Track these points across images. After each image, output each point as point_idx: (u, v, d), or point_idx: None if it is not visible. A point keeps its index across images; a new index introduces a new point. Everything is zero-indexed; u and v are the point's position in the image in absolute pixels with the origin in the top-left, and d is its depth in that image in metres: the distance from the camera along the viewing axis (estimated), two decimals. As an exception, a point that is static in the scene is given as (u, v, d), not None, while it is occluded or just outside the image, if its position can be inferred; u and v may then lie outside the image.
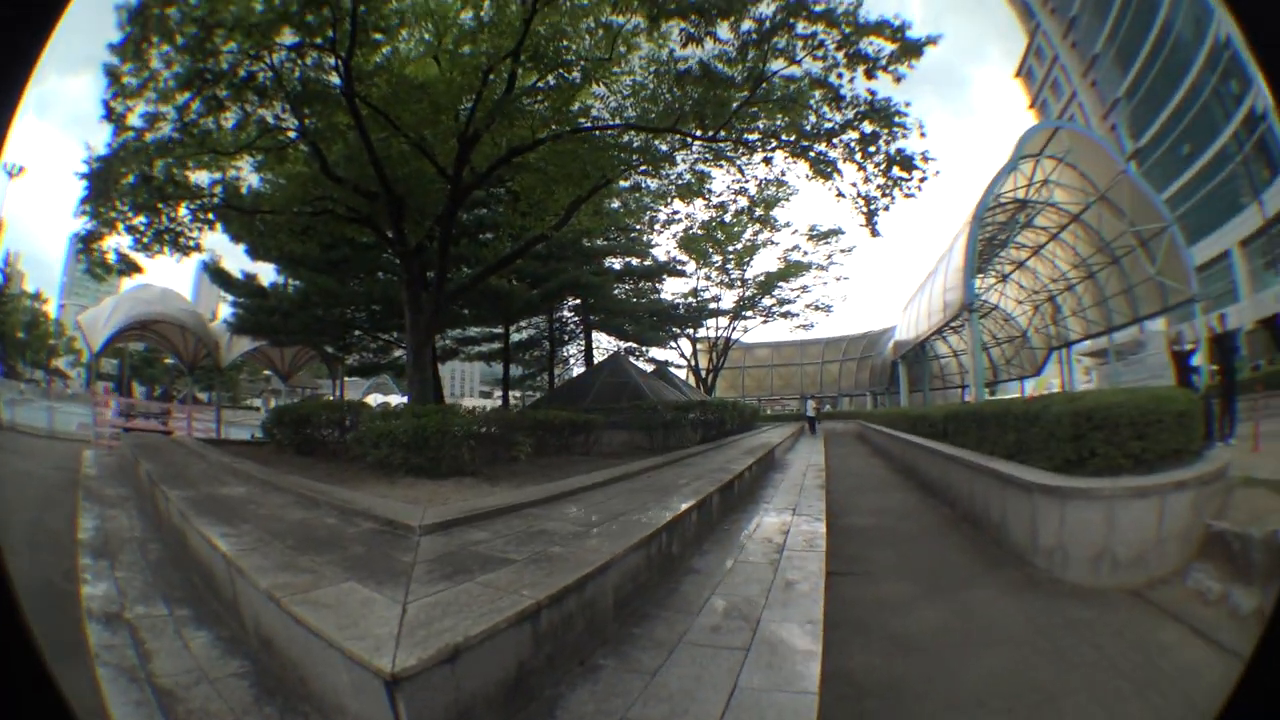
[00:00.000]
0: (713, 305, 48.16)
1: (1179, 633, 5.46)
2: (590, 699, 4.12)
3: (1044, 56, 66.33)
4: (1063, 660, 5.05)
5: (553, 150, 16.31)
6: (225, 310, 30.49)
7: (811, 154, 16.02)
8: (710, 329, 51.09)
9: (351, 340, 31.45)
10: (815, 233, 45.81)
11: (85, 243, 15.32)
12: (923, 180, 15.59)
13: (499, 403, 37.88)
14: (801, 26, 13.83)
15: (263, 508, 7.81)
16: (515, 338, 39.31)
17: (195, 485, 9.22)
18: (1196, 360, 14.45)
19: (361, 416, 14.74)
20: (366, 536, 6.41)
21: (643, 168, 18.34)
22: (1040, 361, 51.02)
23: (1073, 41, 59.94)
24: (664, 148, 17.29)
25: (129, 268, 16.72)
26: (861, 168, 15.76)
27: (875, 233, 16.85)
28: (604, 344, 42.92)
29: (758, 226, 40.85)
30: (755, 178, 19.47)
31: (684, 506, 7.95)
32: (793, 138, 15.87)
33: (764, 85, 14.65)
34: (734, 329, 51.31)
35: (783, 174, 18.46)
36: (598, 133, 16.55)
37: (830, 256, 47.21)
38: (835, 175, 16.21)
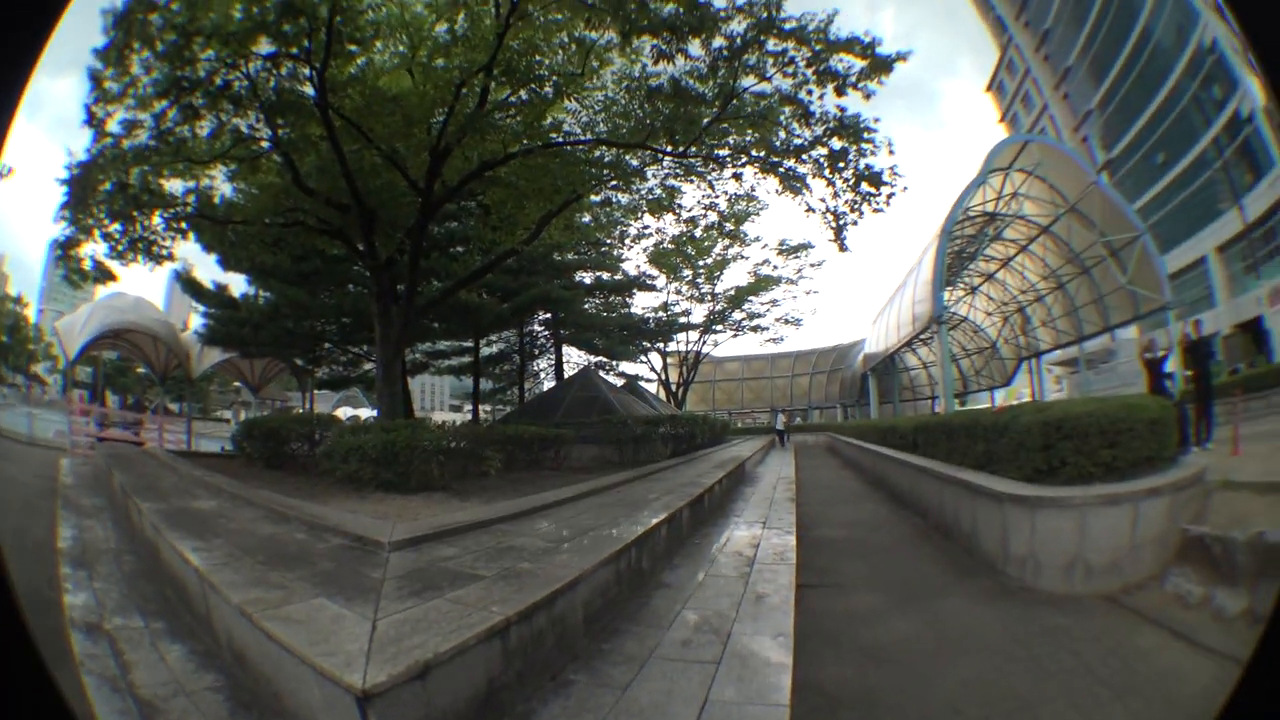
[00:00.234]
0: (683, 319, 48.38)
1: (1159, 637, 5.51)
2: (562, 714, 4.16)
3: (1015, 70, 67.35)
4: (1039, 667, 5.08)
5: (524, 165, 16.27)
6: (196, 321, 30.16)
7: (781, 170, 16.13)
8: (681, 343, 51.37)
9: (321, 353, 31.10)
10: (785, 247, 46.26)
11: (64, 249, 15.15)
12: (891, 196, 15.73)
13: (469, 417, 37.70)
14: (772, 44, 13.94)
15: (233, 522, 7.78)
16: (485, 352, 39.18)
17: (167, 498, 9.15)
18: (1169, 367, 14.66)
19: (331, 430, 14.70)
20: (336, 552, 6.39)
21: (613, 182, 18.38)
22: (1010, 371, 51.57)
23: (1045, 55, 60.91)
24: (635, 163, 17.35)
25: (104, 276, 16.49)
26: (830, 183, 15.88)
27: (844, 248, 17.03)
28: (574, 358, 42.99)
29: (728, 241, 41.41)
30: (725, 193, 19.71)
31: (654, 521, 7.99)
32: (763, 153, 15.98)
33: (734, 102, 14.73)
34: (704, 343, 51.63)
35: (753, 189, 18.67)
36: (569, 148, 16.54)
37: (800, 270, 47.73)
38: (805, 191, 16.36)
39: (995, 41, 71.98)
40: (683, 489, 11.47)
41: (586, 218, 25.28)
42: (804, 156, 15.70)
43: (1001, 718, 4.43)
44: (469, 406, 41.09)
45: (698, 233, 30.07)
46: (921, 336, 37.93)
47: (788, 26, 13.71)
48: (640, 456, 18.90)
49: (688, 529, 9.71)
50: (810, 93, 14.65)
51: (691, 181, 18.79)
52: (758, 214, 35.92)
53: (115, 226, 15.28)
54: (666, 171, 18.31)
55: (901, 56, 14.00)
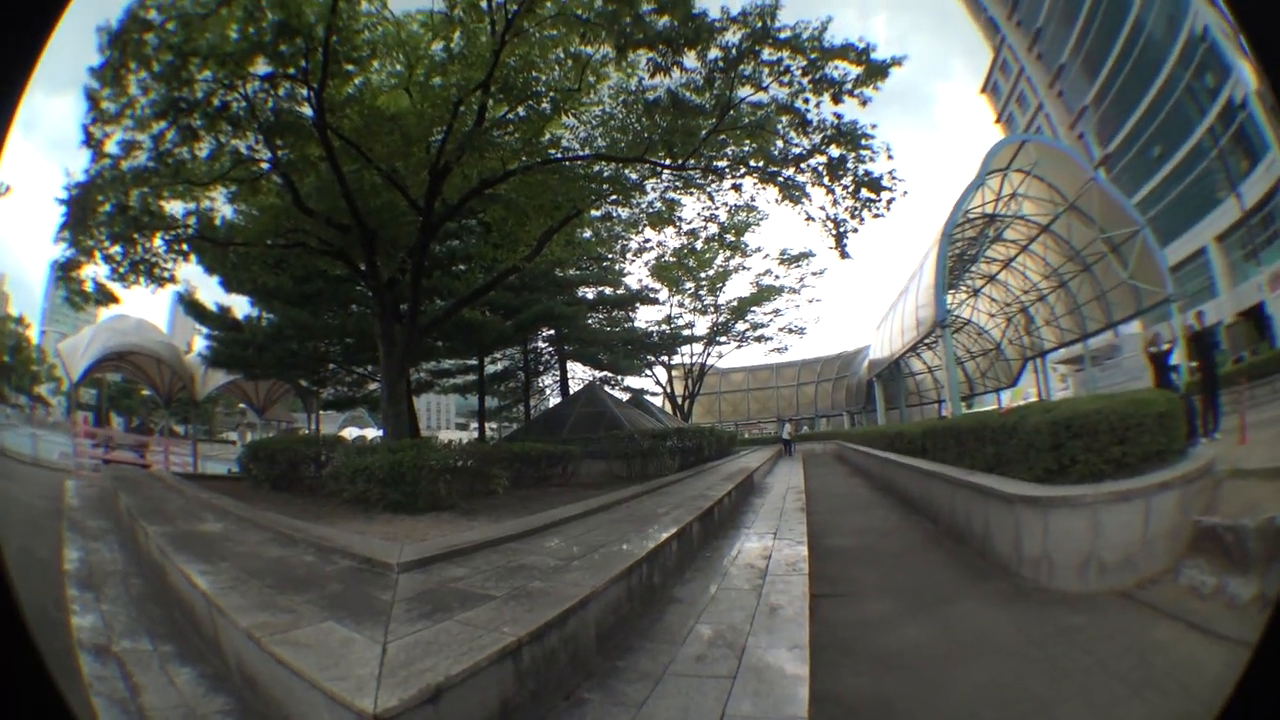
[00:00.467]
0: (686, 332, 48.32)
1: (1175, 630, 5.44)
2: (577, 734, 4.10)
3: (1009, 71, 67.46)
4: (1055, 667, 5.02)
5: (524, 181, 16.20)
6: (200, 343, 30.10)
7: (780, 179, 16.06)
8: (685, 355, 51.36)
9: (326, 374, 31.09)
10: (786, 256, 46.17)
11: (64, 270, 15.09)
12: (891, 201, 15.66)
13: (475, 435, 37.61)
14: (768, 53, 13.91)
15: (241, 545, 7.75)
16: (490, 369, 39.15)
17: (173, 521, 9.15)
18: (1174, 359, 14.58)
19: (337, 451, 14.64)
20: (344, 574, 6.36)
21: (613, 197, 18.31)
22: (1015, 372, 51.58)
23: (1038, 54, 61.01)
24: (634, 177, 17.32)
25: (106, 298, 16.47)
26: (830, 191, 15.82)
27: (845, 255, 16.91)
28: (579, 374, 42.92)
29: (729, 252, 41.42)
30: (725, 204, 19.56)
31: (664, 536, 7.97)
32: (761, 163, 15.91)
33: (731, 112, 14.69)
34: (708, 354, 51.55)
35: (752, 199, 18.50)
36: (568, 163, 16.47)
37: (802, 279, 47.62)
38: (804, 199, 16.27)
39: (988, 43, 72.15)
40: (692, 502, 11.45)
41: (587, 233, 25.16)
42: (803, 165, 15.65)
43: (1019, 718, 4.37)
44: (475, 424, 41.00)
45: (699, 245, 30.12)
46: (926, 341, 37.97)
47: (782, 36, 13.69)
48: (648, 470, 18.85)
49: (698, 542, 9.67)
50: (807, 101, 14.61)
51: (691, 194, 18.77)
52: (758, 224, 35.81)
53: (116, 249, 15.22)
54: (666, 185, 18.26)
55: (896, 61, 13.98)
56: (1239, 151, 37.06)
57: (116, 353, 28.19)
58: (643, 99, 15.08)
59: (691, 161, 15.91)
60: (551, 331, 36.04)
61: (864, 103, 14.25)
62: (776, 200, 16.59)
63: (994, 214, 34.41)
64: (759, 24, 13.51)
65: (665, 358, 50.59)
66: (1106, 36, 48.74)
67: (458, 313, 21.21)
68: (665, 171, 16.98)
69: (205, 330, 28.00)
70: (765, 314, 49.22)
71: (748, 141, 15.43)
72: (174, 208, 15.89)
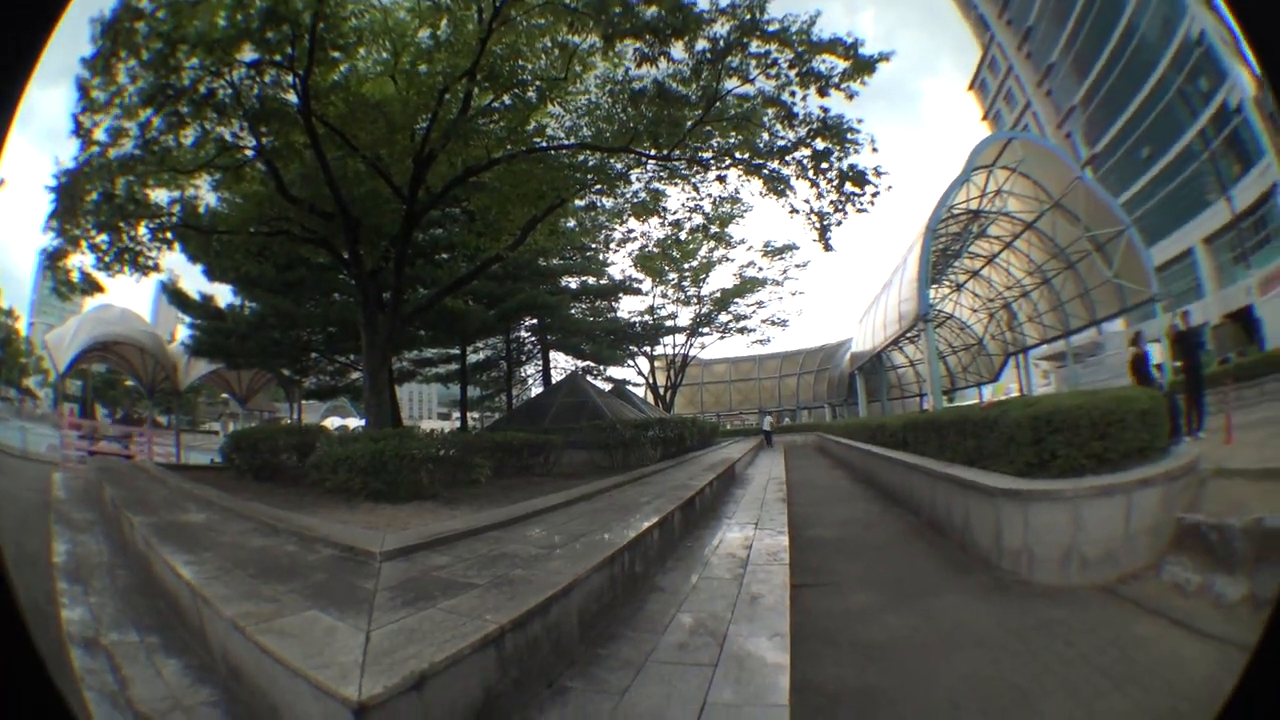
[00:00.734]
0: (670, 323, 48.59)
1: (1157, 625, 5.46)
2: (559, 721, 4.13)
3: (998, 69, 67.69)
4: (1036, 660, 5.02)
5: (508, 170, 16.25)
6: (183, 332, 29.90)
7: (765, 171, 16.16)
8: (668, 346, 51.54)
9: (308, 363, 30.86)
10: (770, 248, 46.60)
11: (52, 260, 15.06)
12: (875, 195, 15.77)
13: (457, 424, 37.55)
14: (755, 46, 13.95)
15: (224, 535, 7.73)
16: (472, 359, 39.11)
17: (157, 511, 9.11)
18: (1155, 358, 14.69)
19: (320, 441, 14.66)
20: (327, 564, 6.35)
21: (598, 187, 18.37)
22: (997, 367, 51.83)
23: (1028, 52, 61.23)
24: (619, 166, 17.33)
25: (91, 287, 16.37)
26: (814, 184, 15.92)
27: (828, 247, 17.09)
28: (561, 363, 43.09)
29: (713, 244, 41.48)
30: (710, 195, 19.73)
31: (646, 525, 7.98)
32: (746, 156, 16.01)
33: (718, 104, 14.76)
34: (691, 345, 51.76)
35: (736, 191, 18.72)
36: (553, 152, 16.55)
37: (785, 272, 48.12)
38: (789, 192, 16.39)
39: (977, 40, 72.37)
40: (673, 492, 11.46)
41: (571, 223, 25.14)
42: (788, 158, 15.73)
43: (1000, 712, 4.37)
44: (457, 414, 40.85)
45: (683, 235, 30.10)
46: (908, 334, 38.07)
47: (771, 28, 13.74)
48: (630, 460, 18.84)
49: (680, 532, 9.69)
50: (793, 94, 14.69)
51: (676, 184, 18.82)
52: (742, 216, 36.04)
53: (102, 237, 15.20)
54: (651, 175, 18.33)
55: (884, 57, 14.03)
56: (1231, 155, 37.33)
57: (102, 342, 27.94)
58: (629, 89, 15.09)
59: (677, 152, 15.94)
60: (534, 321, 36.07)
61: (850, 96, 14.33)
62: (761, 193, 16.76)
63: (979, 210, 34.51)
64: (747, 16, 13.56)
65: (648, 348, 50.72)
66: (1098, 37, 48.94)
67: (441, 301, 21.21)
68: (650, 162, 16.99)
69: (188, 319, 27.87)
70: (748, 305, 49.65)
71: (734, 133, 15.51)
72: (159, 196, 15.89)
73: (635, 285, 43.27)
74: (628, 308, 46.87)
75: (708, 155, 16.42)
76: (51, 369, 28.38)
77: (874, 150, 15.47)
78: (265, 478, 14.29)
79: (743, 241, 47.49)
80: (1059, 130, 55.81)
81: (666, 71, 14.28)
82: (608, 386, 37.98)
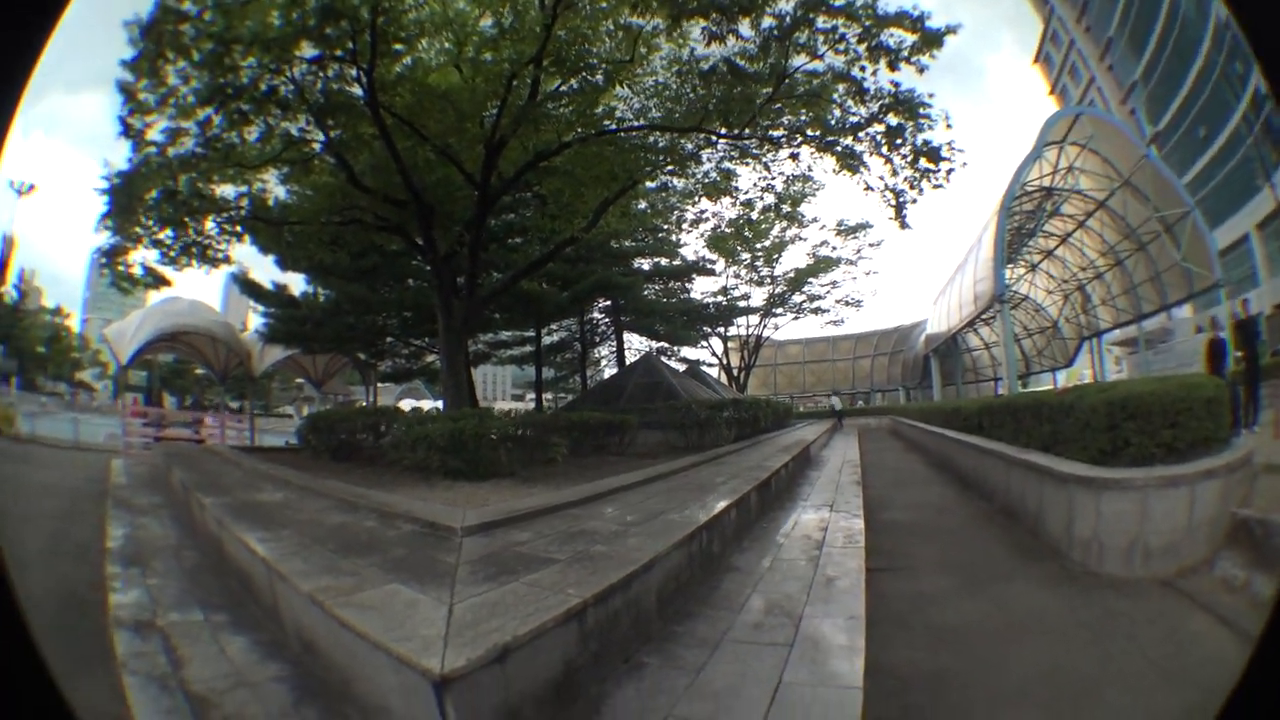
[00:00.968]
0: (743, 303, 47.92)
1: (1206, 622, 5.34)
2: (635, 696, 4.11)
3: (1060, 42, 65.40)
4: (1100, 651, 4.92)
5: (580, 153, 16.20)
6: (256, 320, 30.65)
7: (838, 148, 15.83)
8: (741, 327, 50.92)
9: (384, 347, 31.46)
10: (843, 227, 45.82)
11: (109, 257, 15.49)
12: (950, 172, 15.38)
13: (532, 405, 37.72)
14: (822, 21, 13.66)
15: (301, 513, 7.80)
16: (547, 340, 39.10)
17: (231, 492, 9.23)
18: (1231, 347, 14.15)
19: (397, 421, 14.77)
20: (408, 539, 6.38)
21: (669, 167, 18.25)
22: (1072, 352, 50.37)
23: (1086, 26, 59.00)
24: (690, 146, 17.19)
25: (156, 281, 16.86)
26: (888, 161, 15.56)
27: (905, 225, 16.65)
28: (635, 344, 42.96)
29: (786, 223, 40.87)
30: (782, 174, 19.36)
31: (723, 505, 7.90)
32: (818, 133, 15.70)
33: (787, 81, 14.51)
34: (765, 326, 51.15)
35: (809, 169, 18.27)
36: (624, 134, 16.47)
37: (859, 251, 47.28)
38: (862, 169, 16.03)
39: (1037, 13, 70.04)
40: (749, 473, 11.32)
41: (643, 204, 25.08)
42: (860, 134, 15.42)
43: (1064, 700, 4.30)
44: (531, 395, 41.12)
45: (755, 215, 29.76)
46: (983, 316, 37.24)
47: (836, 3, 13.48)
48: (705, 441, 18.59)
49: (756, 513, 9.60)
50: (863, 69, 14.38)
51: (747, 164, 18.57)
52: (814, 195, 35.38)
53: (167, 233, 15.58)
54: (721, 155, 18.14)
55: (951, 30, 13.67)
56: (1268, 141, 35.45)
57: (169, 333, 28.71)
58: (697, 69, 14.92)
59: (747, 131, 15.76)
60: (608, 302, 36.13)
61: (921, 70, 14.01)
62: (834, 170, 16.41)
63: (1051, 187, 33.64)
64: (812, -9, 13.30)
65: (721, 329, 50.08)
66: (1148, 12, 46.82)
67: (516, 284, 21.33)
68: (721, 142, 16.85)
69: (261, 308, 28.49)
70: (822, 286, 48.84)
71: (804, 111, 15.25)
72: (225, 191, 16.28)
73: (708, 266, 42.90)
74: (701, 289, 46.26)
75: (779, 133, 16.17)
76: (112, 361, 29.09)
77: (948, 126, 15.10)
78: (342, 458, 14.41)
79: (815, 220, 47.10)
80: (1123, 106, 53.40)
81: (734, 50, 14.15)
82: (682, 367, 37.79)
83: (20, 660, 2.08)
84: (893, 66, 14.01)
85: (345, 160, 15.72)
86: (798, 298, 49.42)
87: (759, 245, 44.16)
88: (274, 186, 18.19)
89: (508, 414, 14.21)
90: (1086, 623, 5.51)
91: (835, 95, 15.08)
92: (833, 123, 15.52)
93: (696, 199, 26.83)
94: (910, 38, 13.75)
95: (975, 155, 16.64)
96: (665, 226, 36.86)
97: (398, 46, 13.83)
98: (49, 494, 10.65)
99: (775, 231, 43.49)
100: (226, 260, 17.31)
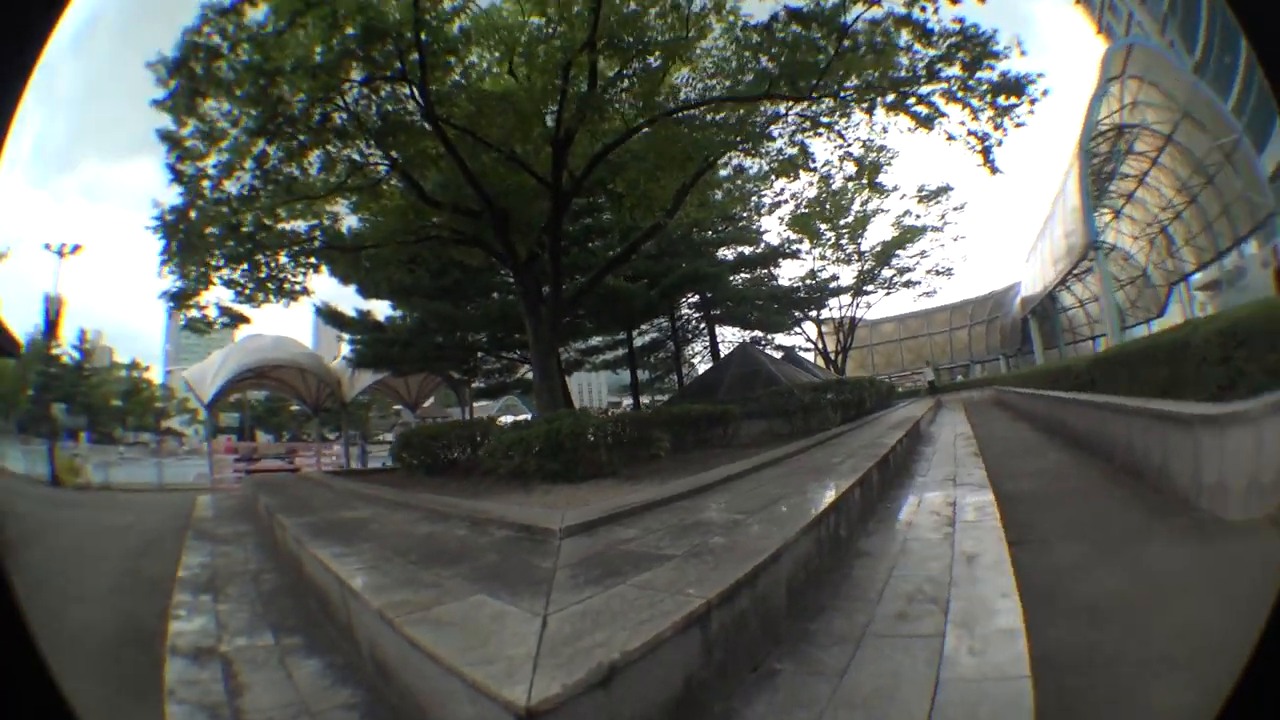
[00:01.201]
0: (832, 284, 46.33)
1: None
2: (770, 712, 3.34)
3: (1094, -24, 62.62)
4: (1236, 605, 4.11)
5: (650, 138, 15.79)
6: (345, 349, 30.69)
7: (909, 103, 15.01)
8: (833, 310, 49.49)
9: (475, 363, 31.18)
10: (924, 193, 44.00)
11: (177, 300, 15.23)
12: (1033, 103, 14.38)
13: (629, 408, 37.37)
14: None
15: (386, 526, 7.42)
16: (638, 342, 38.33)
17: (316, 512, 8.94)
18: None
19: (492, 431, 14.39)
20: (500, 545, 5.86)
21: (741, 144, 17.46)
22: (1163, 300, 48.03)
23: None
24: (760, 121, 16.56)
25: (234, 320, 16.61)
26: (965, 105, 14.67)
27: (995, 169, 15.63)
28: (728, 338, 41.70)
29: (866, 195, 39.13)
30: (859, 139, 18.39)
31: (846, 485, 7.12)
32: (889, 90, 14.90)
33: (847, 40, 13.72)
34: (857, 306, 49.54)
35: (884, 130, 17.34)
36: (693, 112, 15.87)
37: (944, 216, 45.25)
38: (940, 120, 15.18)
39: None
40: (865, 451, 10.66)
41: (719, 194, 24.32)
42: (934, 76, 14.53)
43: (1217, 662, 3.51)
44: (627, 400, 40.63)
45: (835, 185, 28.77)
46: (1075, 271, 35.91)
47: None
48: (810, 425, 17.95)
49: (878, 492, 8.87)
50: (923, 9, 13.49)
51: (820, 135, 17.79)
52: (890, 164, 34.06)
53: (238, 273, 15.46)
54: (793, 127, 17.44)
55: None
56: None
57: (254, 369, 28.35)
58: (758, 30, 14.21)
59: (815, 96, 15.11)
60: (697, 297, 35.42)
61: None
62: (910, 129, 15.69)
63: (1123, 124, 32.52)
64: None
65: (813, 312, 48.55)
66: None
67: (601, 281, 20.73)
68: (791, 114, 16.32)
69: (348, 337, 28.48)
70: (910, 257, 47.00)
71: (871, 69, 14.43)
72: (295, 226, 16.21)
73: (793, 249, 41.56)
74: (788, 274, 44.93)
75: (849, 95, 15.38)
76: (195, 402, 29.26)
77: (1021, 54, 14.20)
78: (437, 473, 14.08)
79: (895, 188, 44.97)
80: (1163, 38, 50.80)
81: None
82: (778, 355, 36.73)
83: (20, 660, 2.08)
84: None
85: (412, 179, 15.50)
86: (887, 272, 47.49)
87: (841, 221, 42.38)
88: (345, 217, 18.17)
89: (606, 411, 13.68)
90: (1223, 577, 4.85)
91: (900, 42, 14.18)
92: (903, 74, 14.70)
93: (772, 181, 26.40)
94: None
95: (1040, 106, 15.62)
96: (744, 214, 35.80)
97: (449, 59, 13.42)
98: (120, 534, 10.28)
99: (856, 206, 41.74)
100: (305, 292, 17.19)
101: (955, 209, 44.92)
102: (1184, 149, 31.71)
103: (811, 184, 22.29)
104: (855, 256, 45.58)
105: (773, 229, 42.97)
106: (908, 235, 44.99)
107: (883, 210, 43.68)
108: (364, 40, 11.55)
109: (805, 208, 37.78)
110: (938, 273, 47.69)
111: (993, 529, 6.70)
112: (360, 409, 42.59)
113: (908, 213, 44.83)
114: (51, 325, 29.49)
